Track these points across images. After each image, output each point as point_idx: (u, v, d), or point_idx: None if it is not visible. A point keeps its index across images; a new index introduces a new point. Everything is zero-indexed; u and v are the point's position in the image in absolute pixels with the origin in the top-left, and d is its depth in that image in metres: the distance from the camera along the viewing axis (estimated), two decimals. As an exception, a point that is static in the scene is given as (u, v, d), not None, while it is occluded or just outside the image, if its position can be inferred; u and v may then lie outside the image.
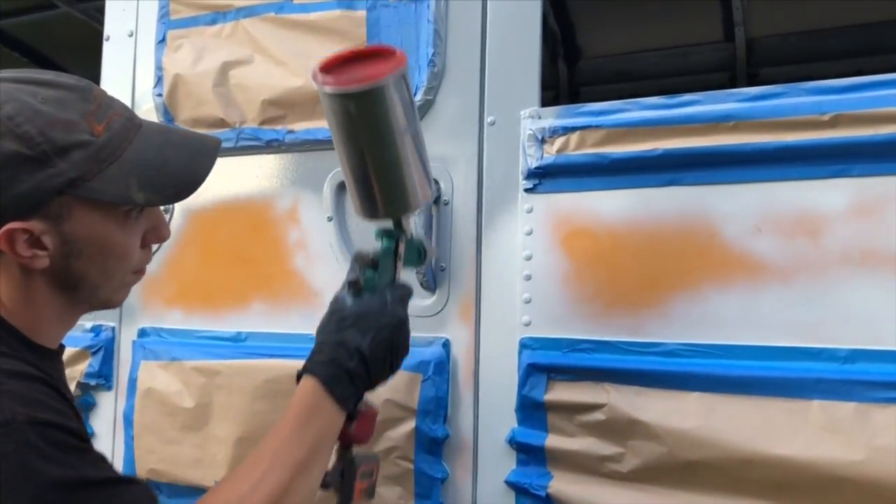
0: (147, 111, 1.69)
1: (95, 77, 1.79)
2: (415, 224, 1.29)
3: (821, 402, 1.10)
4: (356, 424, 1.05)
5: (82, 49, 2.39)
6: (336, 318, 1.04)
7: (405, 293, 1.09)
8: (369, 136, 0.99)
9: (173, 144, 0.96)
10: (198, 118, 1.61)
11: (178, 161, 0.95)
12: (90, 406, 1.70)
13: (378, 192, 1.04)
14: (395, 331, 1.04)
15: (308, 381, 1.00)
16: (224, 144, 1.56)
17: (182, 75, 1.62)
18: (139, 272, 1.00)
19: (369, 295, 1.05)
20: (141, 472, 1.59)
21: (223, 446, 1.51)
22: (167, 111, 1.65)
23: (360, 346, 1.00)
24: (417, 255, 1.14)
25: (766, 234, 1.18)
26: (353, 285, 1.06)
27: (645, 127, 1.25)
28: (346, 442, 1.06)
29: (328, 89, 0.96)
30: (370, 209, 1.06)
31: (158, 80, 1.66)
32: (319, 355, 1.02)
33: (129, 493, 0.84)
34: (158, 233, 0.98)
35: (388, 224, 1.10)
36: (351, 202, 1.10)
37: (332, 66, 0.99)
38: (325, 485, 1.03)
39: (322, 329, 1.05)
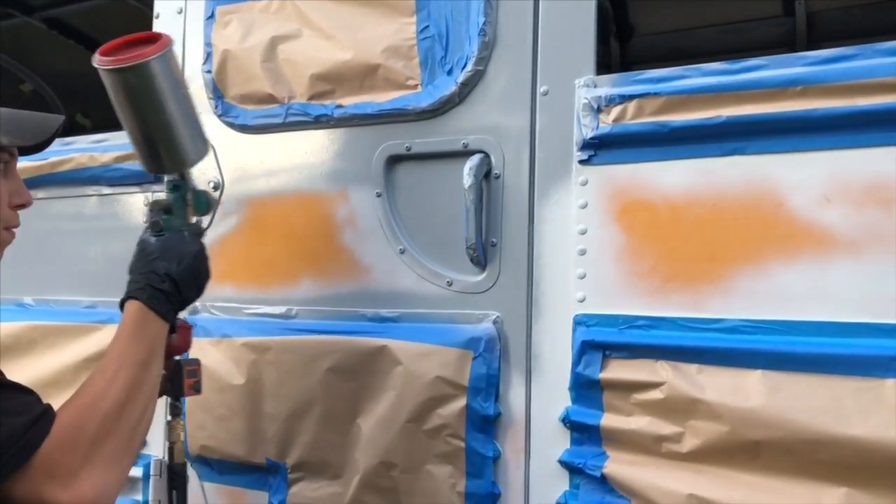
0: (196, 88, 1.68)
1: (146, 57, 1.79)
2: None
3: (896, 380, 1.05)
4: (177, 336, 1.29)
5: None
6: (144, 255, 1.22)
7: (199, 230, 1.31)
8: (143, 103, 1.21)
9: (25, 111, 1.16)
10: (246, 94, 1.60)
11: (33, 119, 1.16)
12: (143, 383, 1.71)
13: (161, 151, 1.26)
14: (197, 258, 1.24)
15: (132, 304, 1.16)
16: (272, 120, 1.59)
17: (231, 51, 1.61)
18: (9, 230, 1.14)
19: (169, 233, 1.26)
20: (193, 448, 1.60)
21: (273, 422, 1.50)
22: (216, 87, 1.64)
23: (169, 271, 1.19)
24: (205, 203, 1.34)
25: (835, 204, 1.12)
26: (154, 226, 1.26)
27: (706, 94, 1.20)
28: (169, 352, 1.27)
29: (106, 66, 1.17)
30: (156, 166, 1.30)
31: (207, 57, 1.66)
32: (135, 284, 1.18)
33: (15, 399, 1.01)
34: (21, 196, 1.14)
35: (175, 177, 1.32)
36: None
37: (110, 50, 1.20)
38: (161, 391, 1.25)
39: (133, 266, 1.22)
